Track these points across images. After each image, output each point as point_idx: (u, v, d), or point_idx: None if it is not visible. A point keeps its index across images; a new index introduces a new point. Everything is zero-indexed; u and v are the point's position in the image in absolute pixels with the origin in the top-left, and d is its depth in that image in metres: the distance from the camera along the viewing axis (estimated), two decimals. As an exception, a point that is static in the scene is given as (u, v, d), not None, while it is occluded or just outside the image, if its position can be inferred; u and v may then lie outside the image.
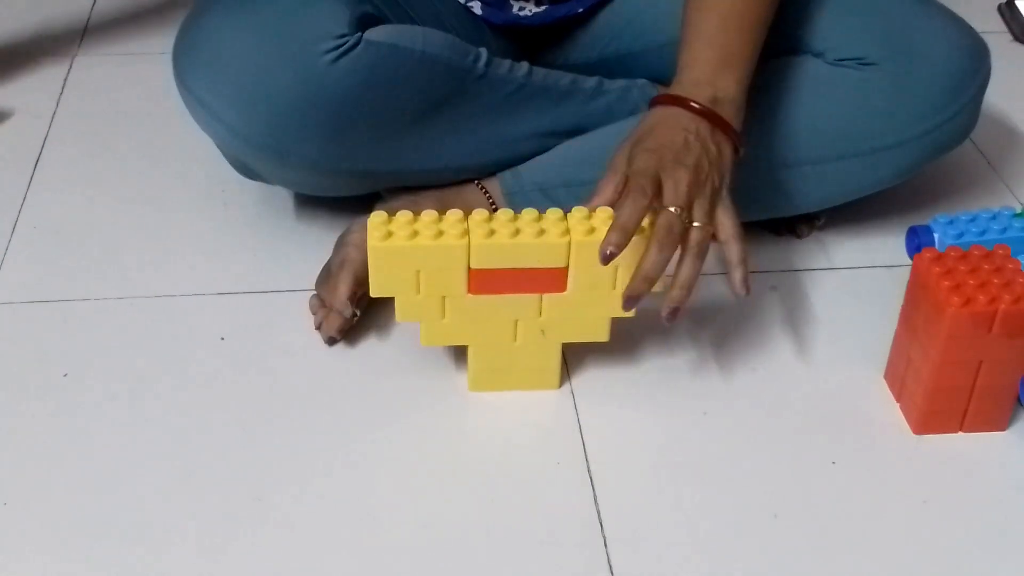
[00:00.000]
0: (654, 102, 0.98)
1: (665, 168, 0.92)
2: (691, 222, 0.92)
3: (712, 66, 0.98)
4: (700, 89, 0.97)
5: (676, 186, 0.92)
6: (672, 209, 0.91)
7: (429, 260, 0.93)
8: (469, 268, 0.94)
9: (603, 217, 0.93)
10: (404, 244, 0.92)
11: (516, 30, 1.18)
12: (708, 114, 0.96)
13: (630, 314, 0.98)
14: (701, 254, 0.93)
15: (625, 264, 0.93)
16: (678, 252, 0.93)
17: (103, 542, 0.90)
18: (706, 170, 0.94)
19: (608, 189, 0.94)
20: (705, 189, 0.93)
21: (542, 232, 0.93)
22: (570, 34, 1.21)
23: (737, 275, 0.95)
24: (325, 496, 0.93)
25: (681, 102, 0.96)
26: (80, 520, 0.91)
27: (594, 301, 0.96)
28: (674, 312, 0.93)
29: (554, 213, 0.93)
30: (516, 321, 0.98)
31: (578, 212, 0.93)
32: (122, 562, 0.88)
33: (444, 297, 0.96)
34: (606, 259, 0.90)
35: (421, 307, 0.96)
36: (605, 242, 0.89)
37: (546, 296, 0.96)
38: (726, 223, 0.95)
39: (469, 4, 1.16)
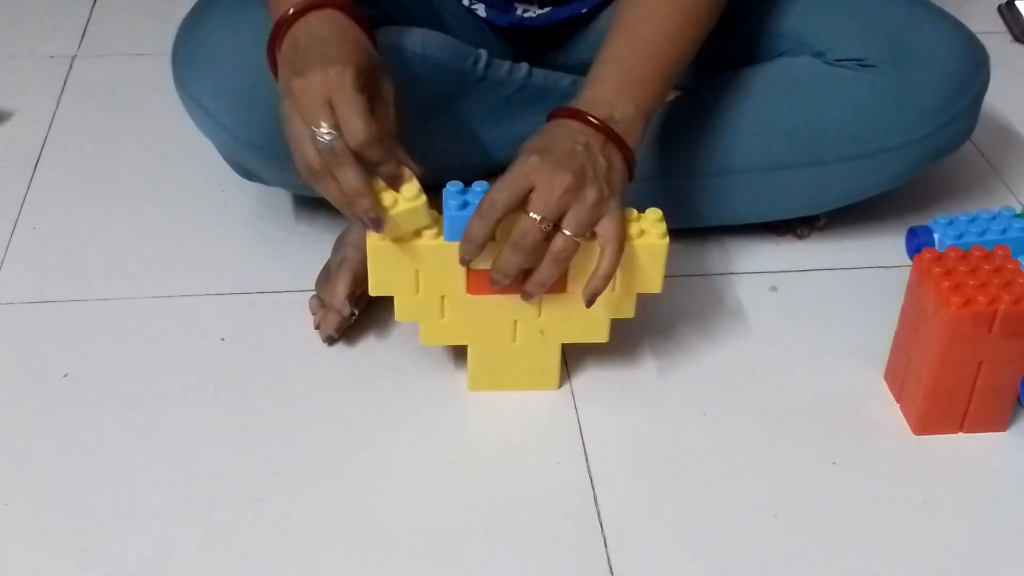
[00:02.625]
0: (550, 115, 0.96)
1: (542, 171, 0.89)
2: (558, 229, 0.90)
3: (615, 86, 0.95)
4: (597, 105, 0.94)
5: (549, 191, 0.89)
6: (533, 215, 0.89)
7: (428, 260, 0.93)
8: (468, 268, 0.94)
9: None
10: (403, 244, 0.92)
11: (519, 32, 1.18)
12: (601, 128, 0.93)
13: (630, 315, 0.98)
14: (559, 261, 0.91)
15: (625, 268, 0.93)
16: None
17: (103, 542, 0.90)
18: (589, 178, 0.90)
19: None
20: (585, 197, 0.89)
21: None
22: (571, 35, 1.21)
23: (593, 283, 0.92)
24: (325, 496, 0.93)
25: (576, 115, 0.93)
26: (80, 520, 0.91)
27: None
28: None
29: None
30: (515, 321, 0.98)
31: None
32: (122, 562, 0.88)
33: (443, 297, 0.96)
34: (463, 263, 0.91)
35: (420, 307, 0.96)
36: (460, 250, 0.91)
37: (545, 296, 0.96)
38: (609, 230, 0.91)
39: (473, 6, 1.16)
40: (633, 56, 0.97)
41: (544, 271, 0.91)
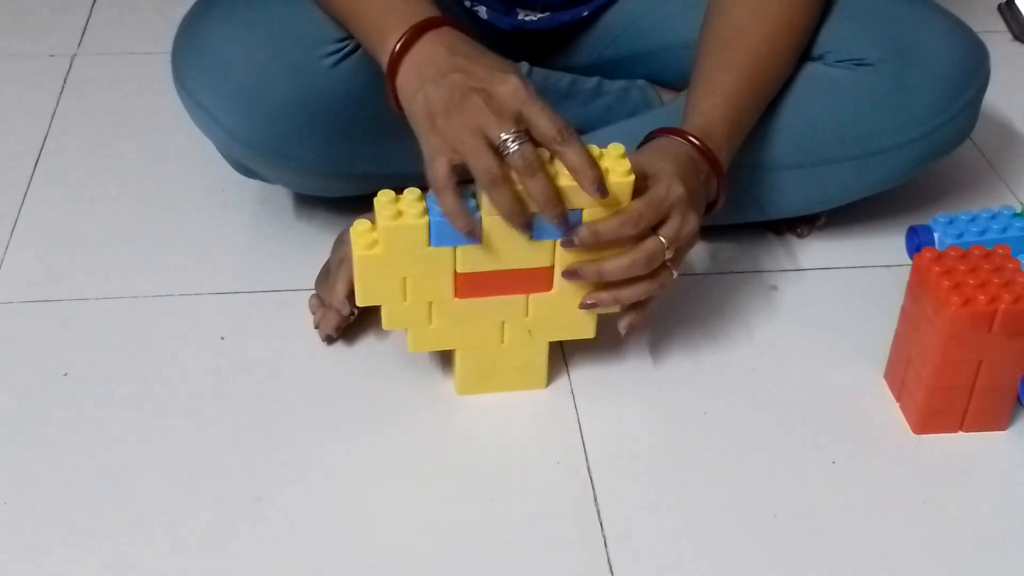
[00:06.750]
0: (675, 132, 0.98)
1: (682, 204, 0.93)
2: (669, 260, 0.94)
3: (725, 129, 1.00)
4: (713, 139, 0.98)
5: (681, 226, 0.93)
6: (663, 240, 0.92)
7: (416, 267, 0.92)
8: (455, 272, 0.93)
9: (587, 214, 0.93)
10: (391, 252, 0.91)
11: (520, 34, 1.18)
12: (716, 166, 0.98)
13: (615, 310, 0.97)
14: (654, 291, 0.95)
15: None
16: None
17: (103, 542, 0.90)
18: (701, 210, 0.96)
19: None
20: (694, 228, 0.94)
21: None
22: (572, 38, 1.21)
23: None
24: (326, 496, 0.93)
25: (705, 153, 0.97)
26: (80, 520, 0.91)
27: (580, 298, 0.95)
28: (630, 326, 0.98)
29: None
30: (503, 322, 0.98)
31: None
32: (122, 562, 0.88)
33: (431, 303, 0.95)
34: (569, 275, 0.94)
35: (408, 314, 0.96)
36: (592, 267, 0.92)
37: (532, 296, 0.96)
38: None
39: (474, 8, 1.16)
40: (742, 98, 1.02)
41: (634, 290, 0.94)
